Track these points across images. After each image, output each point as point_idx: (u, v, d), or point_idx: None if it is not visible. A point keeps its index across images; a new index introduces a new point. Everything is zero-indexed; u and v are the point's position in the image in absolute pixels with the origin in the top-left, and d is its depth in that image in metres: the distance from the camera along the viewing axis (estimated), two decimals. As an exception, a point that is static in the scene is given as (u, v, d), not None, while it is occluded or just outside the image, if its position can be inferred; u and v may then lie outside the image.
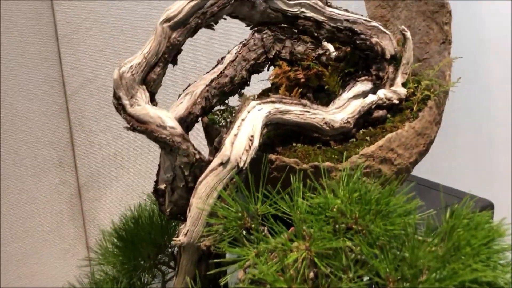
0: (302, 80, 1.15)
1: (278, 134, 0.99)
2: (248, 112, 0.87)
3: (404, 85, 1.07)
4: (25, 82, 1.33)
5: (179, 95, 1.09)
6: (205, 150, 1.13)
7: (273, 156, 0.97)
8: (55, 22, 1.33)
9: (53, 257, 1.45)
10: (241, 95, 1.17)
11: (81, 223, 1.48)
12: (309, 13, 0.98)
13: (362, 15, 1.04)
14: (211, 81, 1.08)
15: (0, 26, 1.27)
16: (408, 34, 1.05)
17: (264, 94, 1.22)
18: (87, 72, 1.40)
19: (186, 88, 1.10)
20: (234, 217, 0.75)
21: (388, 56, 1.05)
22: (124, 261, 1.02)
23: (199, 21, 0.82)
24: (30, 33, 1.31)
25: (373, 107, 1.01)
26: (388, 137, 0.99)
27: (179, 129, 0.82)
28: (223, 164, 0.80)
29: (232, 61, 1.11)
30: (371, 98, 1.01)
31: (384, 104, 1.02)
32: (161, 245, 1.07)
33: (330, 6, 1.00)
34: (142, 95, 0.83)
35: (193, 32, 0.84)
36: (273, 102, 0.93)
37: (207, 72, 1.13)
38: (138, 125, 0.81)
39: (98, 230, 1.48)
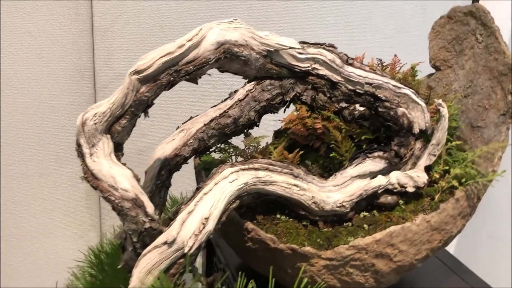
0: (320, 130, 1.01)
1: (262, 200, 0.87)
2: (216, 184, 0.76)
3: (429, 168, 0.89)
4: (56, 70, 1.31)
5: (178, 128, 1.01)
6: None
7: (250, 226, 0.86)
8: (92, 13, 1.29)
9: (66, 239, 1.48)
10: (247, 135, 1.06)
11: (97, 212, 1.49)
12: (323, 71, 0.83)
13: (393, 78, 0.87)
14: (211, 121, 0.98)
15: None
16: (445, 111, 0.86)
17: (278, 137, 1.09)
18: (120, 66, 1.35)
19: (185, 122, 1.01)
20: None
21: (416, 130, 0.87)
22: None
23: (172, 78, 0.72)
24: (65, 22, 1.28)
25: (379, 191, 0.85)
26: (389, 231, 0.83)
27: (132, 192, 0.74)
28: (167, 243, 0.72)
29: (240, 100, 1.00)
30: (379, 181, 0.85)
31: (395, 190, 0.86)
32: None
33: (351, 64, 0.84)
34: (105, 145, 0.76)
35: (166, 87, 0.73)
36: (256, 169, 0.81)
37: (213, 106, 1.03)
38: (92, 179, 0.75)
39: (112, 222, 1.49)
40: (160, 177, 0.91)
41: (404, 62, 1.07)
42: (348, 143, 0.90)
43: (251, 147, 1.02)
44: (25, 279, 1.45)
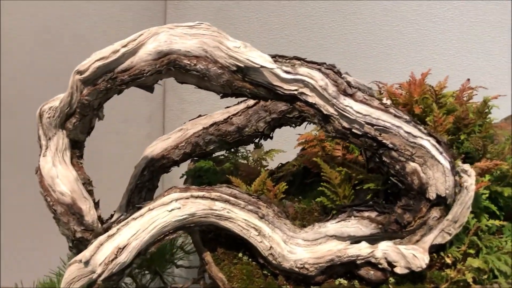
0: (339, 158, 0.83)
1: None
2: (150, 210, 0.67)
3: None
4: (127, 36, 1.31)
5: (185, 123, 0.91)
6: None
7: (207, 257, 0.76)
8: (166, -19, 1.24)
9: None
10: (258, 147, 0.92)
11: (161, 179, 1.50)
12: (312, 98, 0.65)
13: (411, 120, 0.64)
14: (211, 125, 0.86)
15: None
16: (469, 181, 0.61)
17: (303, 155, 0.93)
18: (190, 39, 1.29)
19: (192, 119, 0.91)
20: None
21: (431, 195, 0.65)
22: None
23: (109, 85, 0.63)
24: (141, -13, 1.26)
25: (358, 262, 0.66)
26: (358, 314, 0.65)
27: (68, 197, 0.69)
28: (83, 262, 0.66)
29: (249, 107, 0.86)
30: (359, 251, 0.66)
31: (380, 266, 0.66)
32: None
33: (351, 96, 0.64)
34: (59, 141, 0.72)
35: (107, 93, 0.65)
36: (213, 199, 0.69)
37: (227, 107, 0.91)
38: (39, 174, 0.72)
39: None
40: (141, 177, 0.85)
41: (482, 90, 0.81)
42: (347, 187, 0.72)
43: (258, 161, 0.89)
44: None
